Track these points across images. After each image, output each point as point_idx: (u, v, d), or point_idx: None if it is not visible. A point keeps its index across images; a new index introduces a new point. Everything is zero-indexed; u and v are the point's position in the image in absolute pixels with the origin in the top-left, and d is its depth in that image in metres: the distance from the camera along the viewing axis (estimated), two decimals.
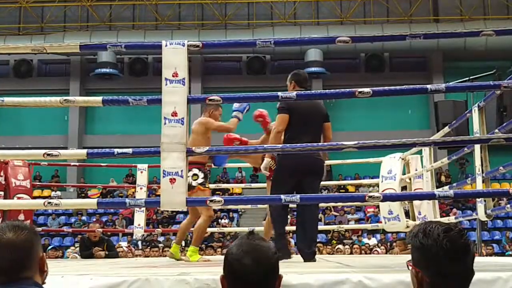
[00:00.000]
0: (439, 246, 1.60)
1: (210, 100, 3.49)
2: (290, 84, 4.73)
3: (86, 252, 7.57)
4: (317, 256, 5.83)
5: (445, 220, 6.31)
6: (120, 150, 3.46)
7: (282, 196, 3.42)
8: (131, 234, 12.31)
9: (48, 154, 3.25)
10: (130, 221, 15.33)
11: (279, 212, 4.65)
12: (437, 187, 6.51)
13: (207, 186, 5.03)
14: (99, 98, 3.47)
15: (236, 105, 5.13)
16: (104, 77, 20.41)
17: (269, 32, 18.90)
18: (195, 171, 4.91)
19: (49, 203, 3.29)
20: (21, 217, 6.61)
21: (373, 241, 13.63)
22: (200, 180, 4.92)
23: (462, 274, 1.63)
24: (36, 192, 15.84)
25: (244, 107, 5.15)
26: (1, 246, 1.74)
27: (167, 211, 16.31)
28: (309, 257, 4.48)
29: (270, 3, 20.98)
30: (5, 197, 6.56)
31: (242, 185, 13.83)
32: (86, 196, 17.02)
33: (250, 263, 1.63)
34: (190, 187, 4.66)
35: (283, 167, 4.50)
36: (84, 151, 3.47)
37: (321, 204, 10.74)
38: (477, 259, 4.88)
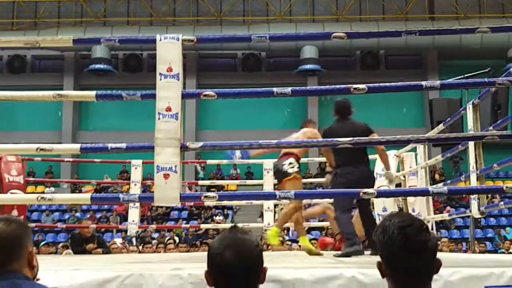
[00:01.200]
0: (393, 243, 1.64)
1: (204, 95, 3.48)
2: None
3: (79, 248, 7.54)
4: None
5: (438, 217, 6.33)
6: (114, 145, 3.45)
7: (277, 192, 3.42)
8: (125, 231, 12.28)
9: (42, 149, 3.23)
10: (124, 217, 15.30)
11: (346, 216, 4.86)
12: (431, 185, 6.53)
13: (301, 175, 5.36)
14: (93, 93, 3.45)
15: (237, 155, 5.39)
16: (99, 73, 20.33)
17: (264, 29, 18.87)
18: (291, 160, 5.21)
19: (42, 198, 3.27)
20: (15, 213, 6.58)
21: None
22: (296, 169, 5.20)
23: (420, 269, 1.65)
24: (30, 188, 15.77)
25: (244, 156, 5.45)
26: None
27: (162, 207, 16.29)
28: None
29: None
30: None
31: (237, 181, 13.83)
32: (80, 193, 16.97)
33: (231, 256, 1.64)
34: (286, 175, 5.12)
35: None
36: (78, 145, 3.45)
37: (315, 201, 10.76)
38: (471, 256, 4.91)
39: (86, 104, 20.62)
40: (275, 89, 3.40)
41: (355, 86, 3.32)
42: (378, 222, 6.72)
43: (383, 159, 5.18)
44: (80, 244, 7.55)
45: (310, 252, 5.14)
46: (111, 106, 20.05)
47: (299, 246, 5.90)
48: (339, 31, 3.41)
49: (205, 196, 3.44)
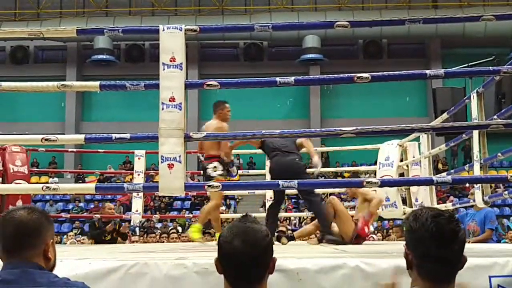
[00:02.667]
0: (426, 230, 1.68)
1: (208, 85, 3.47)
2: None
3: (95, 232, 7.55)
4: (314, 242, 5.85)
5: (441, 206, 6.33)
6: (118, 135, 3.45)
7: (280, 182, 3.42)
8: (129, 221, 12.34)
9: (46, 139, 3.23)
10: (127, 207, 15.35)
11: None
12: (434, 175, 6.52)
13: (226, 177, 5.36)
14: (97, 83, 3.45)
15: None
16: (101, 64, 20.32)
17: (266, 18, 18.80)
18: (215, 163, 5.29)
19: (47, 187, 3.28)
20: (19, 203, 6.59)
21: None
22: (219, 172, 5.26)
23: (448, 259, 1.68)
24: (34, 179, 15.81)
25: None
26: (11, 223, 1.77)
27: (165, 197, 16.33)
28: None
29: None
30: (2, 183, 6.54)
31: (240, 171, 13.79)
32: (84, 183, 17.01)
33: (240, 244, 1.65)
34: (210, 178, 5.18)
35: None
36: (82, 136, 3.46)
37: (318, 191, 10.76)
38: (474, 245, 4.88)
39: (89, 95, 20.61)
40: (278, 79, 3.39)
41: (358, 75, 3.31)
42: (380, 211, 6.74)
43: (307, 147, 5.31)
44: (97, 228, 7.55)
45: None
46: (113, 97, 20.01)
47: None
48: (342, 19, 3.40)
49: (209, 186, 3.45)
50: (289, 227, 11.92)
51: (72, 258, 2.94)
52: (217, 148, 5.33)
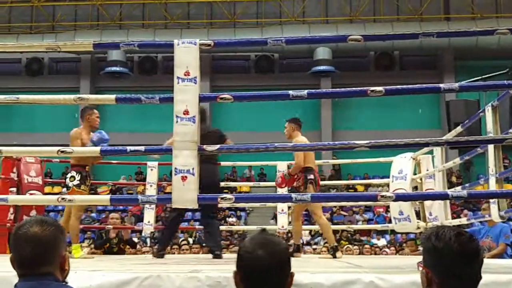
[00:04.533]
0: (450, 249, 1.70)
1: (221, 98, 3.49)
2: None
3: (98, 242, 7.47)
4: (326, 256, 5.84)
5: (456, 222, 6.28)
6: (132, 148, 3.47)
7: (293, 195, 3.41)
8: (140, 231, 12.35)
9: (62, 151, 3.26)
10: (138, 218, 15.38)
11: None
12: (448, 188, 6.47)
13: (82, 188, 5.23)
14: (112, 97, 3.48)
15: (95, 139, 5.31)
16: (114, 76, 20.46)
17: (278, 31, 18.87)
18: (73, 173, 5.24)
19: (62, 199, 3.31)
20: (33, 213, 6.65)
21: (382, 242, 13.56)
22: (76, 182, 5.20)
23: (470, 277, 1.72)
24: (47, 189, 15.86)
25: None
26: (26, 239, 1.76)
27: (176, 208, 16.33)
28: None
29: (278, 1, 20.96)
30: (17, 193, 6.60)
31: (251, 183, 13.80)
32: (96, 193, 17.07)
33: (263, 255, 1.65)
34: (67, 188, 5.18)
35: None
36: (98, 148, 3.48)
37: (330, 204, 10.71)
38: (490, 261, 4.84)
39: (101, 106, 20.75)
40: (291, 92, 3.39)
41: (372, 88, 3.30)
42: (394, 225, 6.70)
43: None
44: (103, 239, 7.45)
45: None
46: (125, 109, 20.12)
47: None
48: (353, 33, 3.41)
49: (222, 198, 3.45)
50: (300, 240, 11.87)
51: (85, 269, 2.95)
52: (79, 157, 5.20)
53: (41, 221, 1.81)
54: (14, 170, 6.79)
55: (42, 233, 1.77)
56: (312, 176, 5.19)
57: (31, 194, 6.75)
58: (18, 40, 19.09)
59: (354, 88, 3.47)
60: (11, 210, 6.66)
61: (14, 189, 6.70)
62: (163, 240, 5.60)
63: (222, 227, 11.63)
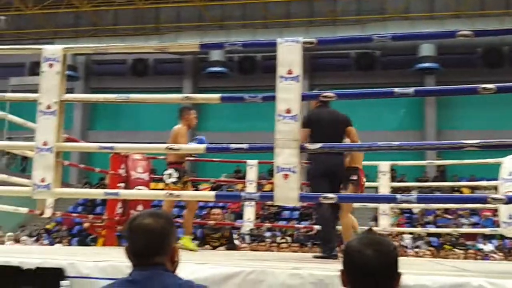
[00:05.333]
0: None
1: (324, 96, 3.49)
2: None
3: (201, 236, 7.63)
4: (431, 260, 5.66)
5: None
6: (235, 146, 3.56)
7: (398, 196, 3.34)
8: (239, 228, 12.60)
9: (170, 148, 3.41)
10: (237, 215, 15.70)
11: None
12: None
13: (178, 185, 5.40)
14: (217, 96, 3.59)
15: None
16: (215, 76, 21.01)
17: (379, 27, 18.43)
18: (171, 170, 5.45)
19: (170, 194, 3.45)
20: (140, 208, 6.96)
21: (488, 247, 12.87)
22: (173, 179, 5.42)
23: None
24: (151, 185, 16.62)
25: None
26: (139, 230, 1.85)
27: (274, 207, 16.50)
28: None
29: None
30: (125, 189, 6.91)
31: None
32: (197, 190, 17.62)
33: (372, 254, 1.64)
34: (165, 184, 5.42)
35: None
36: (203, 146, 3.61)
37: (434, 206, 10.34)
38: None
39: (204, 106, 21.41)
40: (396, 89, 3.32)
41: (483, 85, 3.16)
42: (503, 229, 6.34)
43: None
44: (202, 234, 7.64)
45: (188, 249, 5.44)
46: (225, 108, 20.59)
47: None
48: (460, 28, 3.27)
49: (324, 197, 3.45)
50: (402, 243, 11.57)
51: (191, 262, 3.07)
52: (176, 155, 5.38)
53: (154, 213, 1.89)
54: (122, 166, 7.15)
55: (154, 224, 1.84)
56: (355, 177, 5.07)
57: (138, 189, 7.05)
58: (123, 41, 20.09)
59: (463, 86, 3.33)
60: (119, 204, 7.02)
61: (122, 185, 7.01)
62: (330, 239, 5.04)
63: (317, 227, 11.60)
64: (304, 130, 4.47)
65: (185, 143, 5.40)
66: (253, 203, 7.85)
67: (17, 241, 12.35)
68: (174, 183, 5.41)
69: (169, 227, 1.88)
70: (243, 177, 8.84)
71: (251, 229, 13.06)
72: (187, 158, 5.78)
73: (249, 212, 7.94)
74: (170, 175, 5.45)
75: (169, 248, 1.87)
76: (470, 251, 10.42)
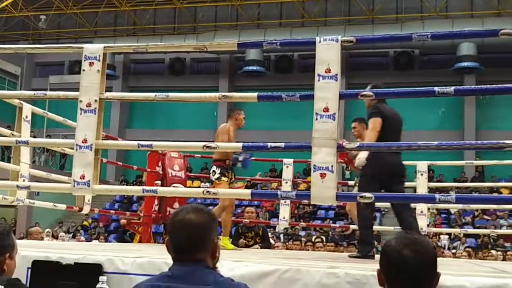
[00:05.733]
0: None
1: (362, 95, 3.47)
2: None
3: (236, 234, 7.59)
4: (468, 261, 5.55)
5: None
6: (273, 144, 3.56)
7: (437, 196, 3.30)
8: (274, 227, 12.60)
9: (208, 146, 3.44)
10: (271, 214, 15.73)
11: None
12: None
13: (223, 179, 5.59)
14: (254, 94, 3.60)
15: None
16: (252, 75, 21.07)
17: (418, 26, 18.15)
18: (214, 168, 5.63)
19: (207, 191, 3.49)
20: (176, 205, 7.03)
21: None
22: (216, 176, 5.58)
23: None
24: (187, 183, 16.79)
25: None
26: (182, 225, 1.85)
27: (309, 206, 16.46)
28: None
29: None
30: (162, 186, 6.98)
31: None
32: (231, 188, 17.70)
33: (410, 254, 1.63)
34: (211, 182, 5.57)
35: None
36: (240, 144, 3.63)
37: (472, 206, 10.14)
38: None
39: (240, 105, 21.47)
40: (436, 89, 3.27)
41: None
42: None
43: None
44: (237, 232, 7.59)
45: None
46: (262, 106, 20.62)
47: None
48: (502, 27, 3.20)
49: (361, 197, 3.43)
50: (439, 244, 11.39)
51: (229, 259, 3.09)
52: (220, 153, 5.53)
53: (196, 208, 1.89)
54: (159, 164, 7.25)
55: (197, 220, 1.84)
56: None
57: (174, 187, 7.12)
58: (162, 40, 20.32)
59: (505, 85, 3.26)
60: (156, 201, 7.12)
61: (159, 182, 7.09)
62: (369, 240, 4.87)
63: (354, 226, 11.53)
64: (380, 120, 4.60)
65: (229, 141, 5.52)
66: (288, 202, 7.85)
67: (55, 237, 12.63)
68: (217, 179, 5.57)
69: (211, 223, 1.88)
70: (278, 176, 8.83)
71: (285, 228, 13.06)
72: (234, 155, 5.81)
73: (284, 211, 7.93)
74: (214, 172, 5.61)
75: (211, 244, 1.86)
76: (509, 252, 10.18)
